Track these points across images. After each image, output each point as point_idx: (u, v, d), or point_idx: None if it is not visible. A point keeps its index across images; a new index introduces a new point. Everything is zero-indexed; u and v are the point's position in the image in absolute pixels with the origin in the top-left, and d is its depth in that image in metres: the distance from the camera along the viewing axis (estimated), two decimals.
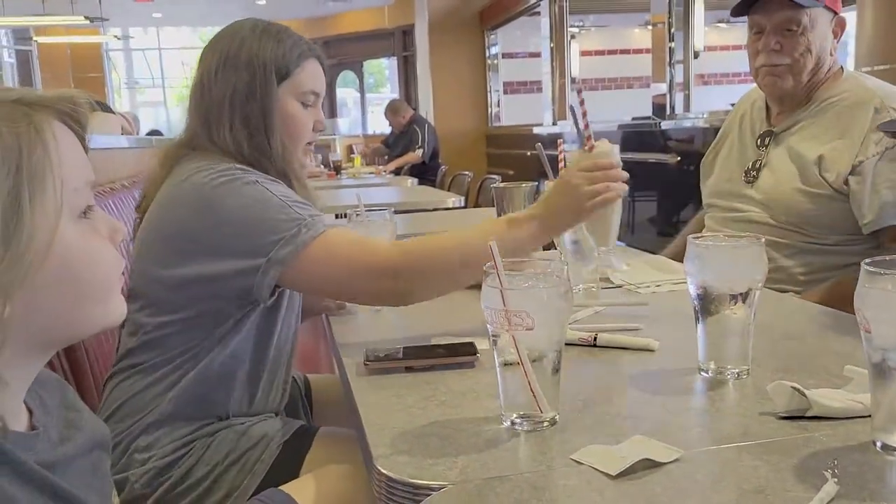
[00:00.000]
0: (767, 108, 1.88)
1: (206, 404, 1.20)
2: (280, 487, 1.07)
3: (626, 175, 1.27)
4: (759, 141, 1.84)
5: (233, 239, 1.13)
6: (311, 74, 1.29)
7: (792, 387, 0.84)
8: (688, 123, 4.70)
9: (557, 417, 0.86)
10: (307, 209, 1.15)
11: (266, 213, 1.12)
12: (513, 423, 0.85)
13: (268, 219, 1.12)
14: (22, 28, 10.47)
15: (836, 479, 0.68)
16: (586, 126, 1.45)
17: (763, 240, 0.96)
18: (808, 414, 0.83)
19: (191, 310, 1.18)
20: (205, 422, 1.19)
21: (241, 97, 1.22)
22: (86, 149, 0.67)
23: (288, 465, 1.17)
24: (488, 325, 0.85)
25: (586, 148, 1.42)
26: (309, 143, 1.33)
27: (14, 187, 0.57)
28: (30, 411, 0.66)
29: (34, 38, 10.72)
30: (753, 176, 1.82)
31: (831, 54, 1.76)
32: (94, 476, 0.70)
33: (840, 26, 1.77)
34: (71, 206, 0.61)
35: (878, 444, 0.75)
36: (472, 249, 1.14)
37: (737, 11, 1.81)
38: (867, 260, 0.74)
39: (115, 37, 11.51)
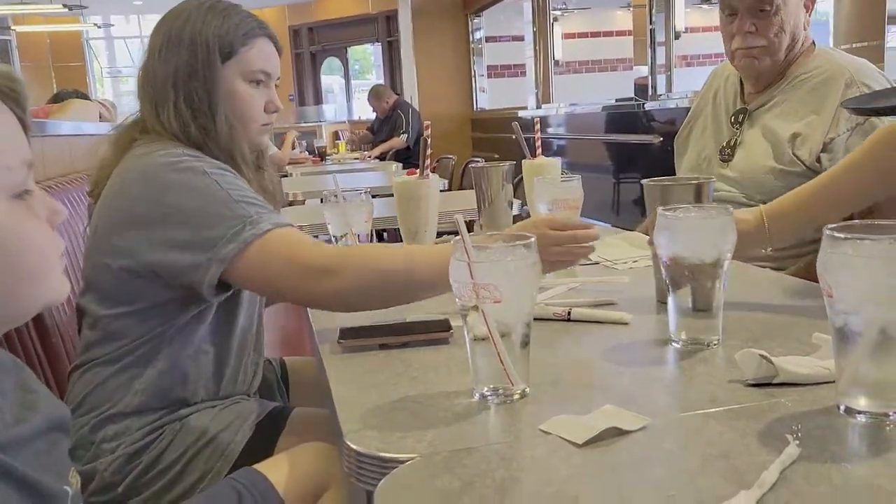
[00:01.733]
0: (741, 84, 1.88)
1: (172, 393, 1.19)
2: (253, 467, 1.07)
3: (596, 235, 1.20)
4: (733, 118, 1.84)
5: (177, 231, 1.10)
6: (260, 53, 1.25)
7: (760, 354, 0.85)
8: (671, 104, 4.71)
9: (528, 390, 0.86)
10: (254, 206, 1.12)
11: (212, 206, 1.09)
12: (483, 396, 0.85)
13: (213, 213, 1.09)
14: (0, 17, 10.33)
15: (798, 442, 0.68)
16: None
17: (731, 210, 0.96)
18: (776, 381, 0.84)
19: (143, 301, 1.16)
20: (173, 407, 1.18)
21: (184, 76, 1.20)
22: (26, 128, 0.66)
23: (261, 446, 1.17)
24: (457, 300, 0.85)
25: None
26: (265, 125, 1.29)
27: None
28: None
29: (12, 28, 10.57)
30: (728, 154, 1.82)
31: (804, 29, 1.76)
32: (49, 457, 0.70)
33: (811, 0, 1.77)
34: (3, 184, 0.61)
35: (842, 407, 0.76)
36: (417, 266, 1.11)
37: None
38: (829, 226, 0.74)
39: (96, 25, 11.35)
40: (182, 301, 1.16)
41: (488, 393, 0.85)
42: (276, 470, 1.06)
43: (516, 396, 0.85)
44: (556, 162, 1.73)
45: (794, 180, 1.67)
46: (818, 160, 1.64)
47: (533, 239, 0.86)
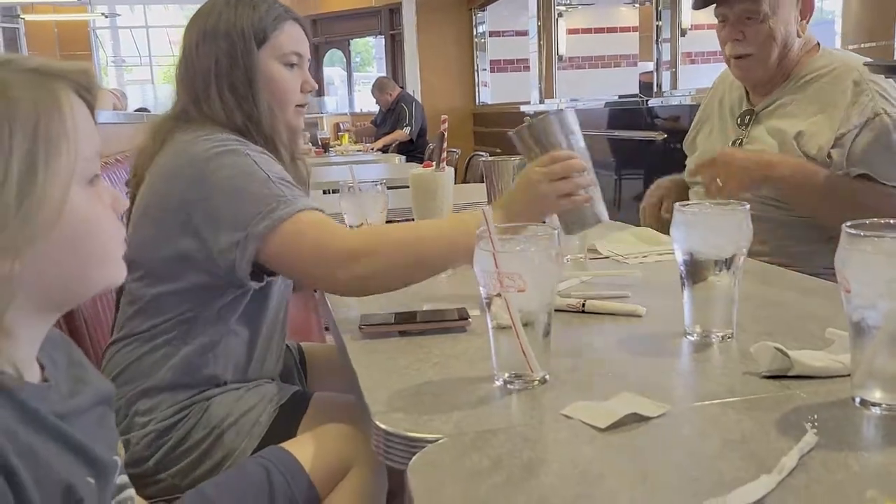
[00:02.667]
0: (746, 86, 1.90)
1: (202, 372, 1.22)
2: (280, 445, 1.10)
3: (585, 166, 1.19)
4: (739, 120, 1.86)
5: (220, 210, 1.14)
6: (290, 36, 1.30)
7: (775, 347, 0.87)
8: (674, 101, 4.72)
9: (548, 377, 0.88)
10: (289, 188, 1.16)
11: (250, 185, 1.13)
12: (505, 382, 0.88)
13: (250, 192, 1.13)
14: (8, 6, 10.31)
15: (815, 431, 0.71)
16: None
17: (748, 206, 0.99)
18: (791, 373, 0.86)
19: (185, 281, 1.20)
20: (202, 388, 1.22)
21: (225, 67, 1.24)
22: (95, 119, 0.69)
23: (284, 427, 1.20)
24: (481, 288, 0.87)
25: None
26: (300, 106, 1.33)
27: (30, 150, 0.59)
28: (41, 367, 0.68)
29: (21, 16, 10.56)
30: None
31: (799, 35, 1.76)
32: (100, 427, 0.73)
33: (808, 7, 1.77)
34: (81, 173, 0.64)
35: (857, 399, 0.78)
36: (432, 241, 1.17)
37: (699, 4, 1.82)
38: (848, 223, 0.77)
39: (103, 14, 11.35)
40: (222, 284, 1.19)
41: (509, 379, 0.87)
42: (302, 449, 1.08)
43: (536, 382, 0.87)
44: None
45: None
46: (829, 156, 1.66)
47: (556, 231, 0.88)
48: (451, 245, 1.14)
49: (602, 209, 1.24)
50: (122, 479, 0.76)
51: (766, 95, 1.81)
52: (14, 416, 0.59)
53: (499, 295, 0.85)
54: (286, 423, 1.21)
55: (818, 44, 1.81)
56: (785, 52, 1.74)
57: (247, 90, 1.24)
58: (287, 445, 1.09)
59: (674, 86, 5.02)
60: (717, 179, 1.64)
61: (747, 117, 1.84)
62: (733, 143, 1.85)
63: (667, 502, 0.60)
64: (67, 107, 0.63)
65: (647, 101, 4.95)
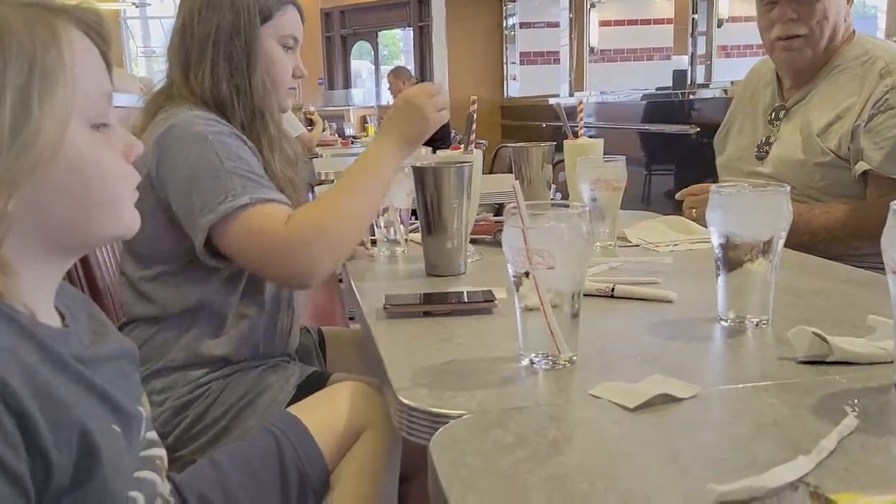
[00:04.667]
0: (779, 80, 1.85)
1: (213, 353, 1.23)
2: (288, 409, 1.08)
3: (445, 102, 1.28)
4: (771, 115, 1.81)
5: (176, 196, 1.16)
6: (291, 19, 1.32)
7: (813, 332, 0.84)
8: (708, 94, 4.66)
9: (575, 358, 0.86)
10: (243, 178, 1.13)
11: (202, 176, 1.13)
12: (531, 361, 0.86)
13: (202, 183, 1.13)
14: None
15: (855, 414, 0.68)
16: None
17: (787, 188, 0.95)
18: (829, 359, 0.83)
19: (175, 262, 1.21)
20: (215, 367, 1.21)
21: (226, 35, 1.24)
22: (108, 64, 0.68)
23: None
24: (509, 266, 0.85)
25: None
26: (291, 88, 1.34)
27: (25, 84, 0.58)
28: (61, 316, 0.67)
29: None
30: (765, 151, 1.80)
31: (845, 20, 1.72)
32: (124, 379, 0.72)
33: None
34: (82, 112, 0.63)
35: None
36: (354, 179, 1.20)
37: None
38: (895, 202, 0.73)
39: (133, 4, 11.48)
40: (207, 265, 1.19)
41: (536, 358, 0.85)
42: (312, 413, 1.07)
43: (564, 363, 0.85)
44: (599, 143, 1.72)
45: (830, 171, 1.65)
46: (849, 148, 1.61)
47: (587, 209, 0.86)
48: (381, 170, 1.22)
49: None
50: (151, 434, 0.75)
51: (801, 87, 1.76)
52: (34, 355, 0.58)
53: (527, 274, 0.83)
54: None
55: (854, 31, 1.76)
56: (834, 35, 1.70)
57: (242, 62, 1.25)
58: (295, 410, 1.07)
59: (709, 79, 4.95)
60: (693, 210, 1.65)
61: (780, 112, 1.79)
62: (763, 141, 1.80)
63: (697, 481, 0.58)
64: (67, 42, 0.62)
65: (679, 94, 4.88)
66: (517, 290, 0.86)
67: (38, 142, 0.59)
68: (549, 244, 0.82)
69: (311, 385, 1.23)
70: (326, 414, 1.08)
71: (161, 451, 0.76)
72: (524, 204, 0.83)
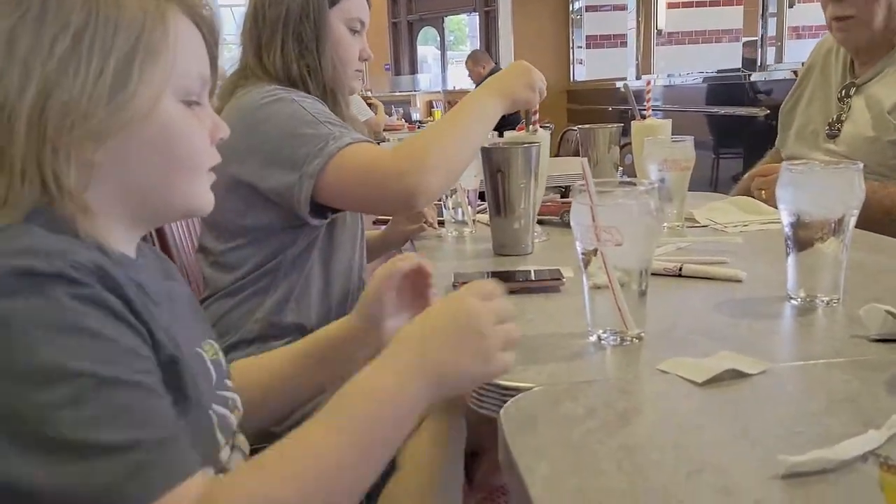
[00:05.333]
0: (851, 57, 1.79)
1: (287, 321, 1.28)
2: None
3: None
4: (842, 92, 1.76)
5: (272, 155, 1.20)
6: (358, 3, 1.37)
7: (886, 310, 0.83)
8: (778, 75, 4.53)
9: (643, 335, 0.87)
10: (337, 126, 1.21)
11: (299, 128, 1.19)
12: (599, 337, 0.87)
13: (300, 134, 1.19)
14: None
15: None
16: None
17: (861, 165, 0.94)
18: None
19: (255, 233, 1.27)
20: (290, 337, 1.26)
21: (295, 17, 1.30)
22: (211, 52, 0.73)
23: None
24: (577, 243, 0.86)
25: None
26: (358, 70, 1.39)
27: (130, 51, 0.64)
28: None
29: None
30: (837, 129, 1.75)
31: None
32: (196, 322, 0.78)
33: None
34: (177, 86, 0.68)
35: None
36: (456, 114, 1.26)
37: None
38: None
39: None
40: (291, 229, 1.25)
41: (604, 334, 0.87)
42: None
43: (632, 339, 0.86)
44: (668, 123, 1.71)
45: None
46: None
47: (655, 186, 0.86)
48: (482, 113, 1.27)
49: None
50: (229, 383, 0.79)
51: (872, 65, 1.71)
52: (126, 277, 0.61)
53: (595, 251, 0.84)
54: None
55: None
56: (891, 14, 1.63)
57: (312, 43, 1.30)
58: None
59: (780, 60, 4.81)
60: (762, 191, 1.63)
61: (851, 89, 1.74)
62: (835, 119, 1.75)
63: (769, 453, 0.58)
64: (173, 25, 0.67)
65: (749, 75, 4.76)
66: (585, 268, 0.87)
67: (132, 104, 0.64)
68: (617, 221, 0.83)
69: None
70: None
71: (235, 396, 0.79)
72: (593, 181, 0.85)
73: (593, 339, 0.87)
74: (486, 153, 1.33)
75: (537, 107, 1.50)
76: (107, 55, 0.63)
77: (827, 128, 1.77)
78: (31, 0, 0.62)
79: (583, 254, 0.86)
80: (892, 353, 0.80)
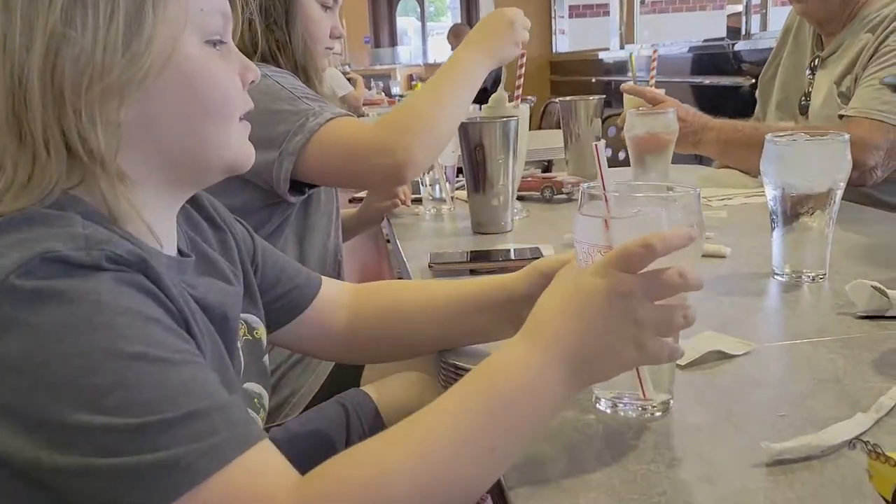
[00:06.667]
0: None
1: None
2: (360, 388, 1.08)
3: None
4: (811, 66, 1.73)
5: (252, 133, 1.14)
6: None
7: (872, 286, 0.81)
8: (763, 44, 4.49)
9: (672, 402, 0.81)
10: (316, 101, 1.17)
11: (276, 105, 1.14)
12: (612, 403, 0.79)
13: (277, 110, 1.14)
14: None
15: None
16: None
17: (847, 136, 0.91)
18: (889, 314, 0.80)
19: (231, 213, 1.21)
20: None
21: None
22: None
23: (349, 367, 1.20)
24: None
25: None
26: (328, 48, 1.34)
27: None
28: (179, 252, 0.67)
29: None
30: (805, 107, 1.72)
31: None
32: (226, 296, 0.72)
33: None
34: (196, 24, 0.61)
35: None
36: (438, 81, 1.22)
37: None
38: None
39: None
40: (265, 208, 1.20)
41: (620, 402, 0.76)
42: (380, 394, 1.07)
43: (653, 412, 0.75)
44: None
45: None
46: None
47: (697, 192, 0.63)
48: (467, 76, 1.23)
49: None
50: (265, 360, 0.76)
51: (833, 38, 1.67)
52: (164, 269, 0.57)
53: None
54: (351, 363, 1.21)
55: None
56: None
57: (281, 18, 1.24)
58: (367, 389, 1.08)
59: (764, 28, 4.77)
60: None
61: (815, 62, 1.71)
62: (805, 94, 1.72)
63: (753, 439, 0.56)
64: None
65: (733, 44, 4.73)
66: None
67: (151, 49, 0.58)
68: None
69: None
70: (392, 396, 1.07)
71: (262, 391, 0.76)
72: (609, 177, 0.62)
73: (602, 407, 0.66)
74: (464, 128, 1.30)
75: (521, 81, 1.47)
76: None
77: (798, 104, 1.74)
78: None
79: None
80: (878, 329, 0.78)
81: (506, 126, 1.29)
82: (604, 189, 0.60)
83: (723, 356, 0.73)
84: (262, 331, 0.77)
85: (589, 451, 0.59)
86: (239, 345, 0.71)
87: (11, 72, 0.55)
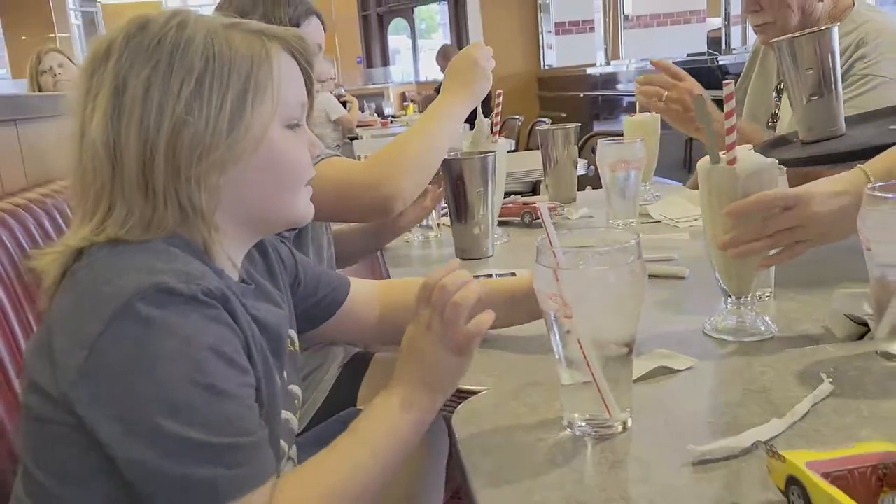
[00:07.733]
0: None
1: None
2: (358, 408, 1.18)
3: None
4: (777, 89, 1.83)
5: None
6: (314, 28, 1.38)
7: (845, 315, 0.90)
8: (745, 57, 4.61)
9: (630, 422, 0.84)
10: None
11: None
12: (574, 426, 0.75)
13: None
14: None
15: (831, 380, 0.76)
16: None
17: (780, 168, 1.01)
18: (867, 338, 0.89)
19: None
20: None
21: None
22: (309, 79, 0.83)
23: (347, 384, 1.30)
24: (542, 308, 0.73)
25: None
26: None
27: (243, 89, 0.74)
28: (242, 281, 0.82)
29: (98, 0, 11.02)
30: (772, 128, 1.81)
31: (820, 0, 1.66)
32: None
33: None
34: (282, 115, 0.77)
35: (878, 352, 0.83)
36: (422, 124, 1.34)
37: None
38: (869, 185, 0.80)
39: None
40: None
41: (581, 424, 0.74)
42: None
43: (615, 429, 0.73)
44: (657, 118, 1.77)
45: None
46: None
47: (637, 240, 0.73)
48: (448, 116, 1.34)
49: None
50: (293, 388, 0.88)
51: None
52: (240, 304, 0.72)
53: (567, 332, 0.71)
54: (349, 380, 1.31)
55: (854, 3, 1.68)
56: (805, 17, 1.64)
57: None
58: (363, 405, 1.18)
59: (744, 42, 4.90)
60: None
61: (781, 86, 1.80)
62: (772, 116, 1.82)
63: (683, 442, 0.66)
64: (277, 63, 0.77)
65: (716, 58, 4.85)
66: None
67: (248, 136, 0.74)
68: (589, 290, 0.69)
69: (355, 365, 1.34)
70: None
71: (299, 392, 0.89)
72: (554, 233, 0.70)
73: (567, 429, 0.73)
74: (446, 163, 1.40)
75: (499, 119, 1.56)
76: (224, 94, 0.73)
77: (766, 123, 1.84)
78: (162, 51, 0.72)
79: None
80: (810, 343, 0.89)
81: (484, 161, 1.40)
82: (551, 245, 0.71)
83: (668, 371, 0.83)
84: (297, 342, 0.92)
85: (546, 458, 0.69)
86: (285, 358, 0.85)
87: (144, 144, 0.71)
